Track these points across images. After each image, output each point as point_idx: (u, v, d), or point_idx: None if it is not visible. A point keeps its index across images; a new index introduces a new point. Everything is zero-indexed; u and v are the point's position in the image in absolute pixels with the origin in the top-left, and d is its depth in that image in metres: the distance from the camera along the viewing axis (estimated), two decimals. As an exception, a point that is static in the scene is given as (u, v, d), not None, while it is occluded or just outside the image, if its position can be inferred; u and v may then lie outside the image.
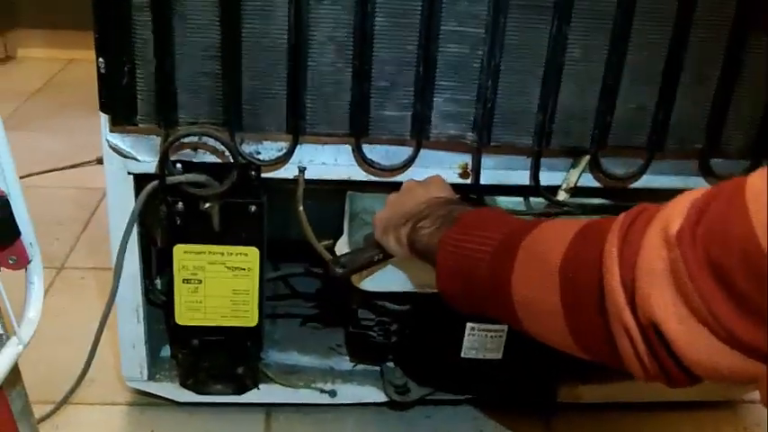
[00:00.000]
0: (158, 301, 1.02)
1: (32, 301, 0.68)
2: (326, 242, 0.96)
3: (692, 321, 0.47)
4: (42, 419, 0.99)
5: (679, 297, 0.48)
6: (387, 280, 0.91)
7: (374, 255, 0.85)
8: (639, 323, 0.51)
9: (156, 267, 1.01)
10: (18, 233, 0.66)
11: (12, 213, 0.65)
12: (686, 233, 0.47)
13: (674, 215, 0.49)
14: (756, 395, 0.82)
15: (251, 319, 0.98)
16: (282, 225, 1.01)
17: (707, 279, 0.45)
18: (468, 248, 0.71)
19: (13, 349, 0.66)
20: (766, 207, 0.42)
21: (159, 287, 1.02)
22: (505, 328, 0.97)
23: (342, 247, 0.93)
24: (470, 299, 0.72)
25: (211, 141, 0.87)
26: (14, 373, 0.73)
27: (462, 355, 0.99)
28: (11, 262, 0.67)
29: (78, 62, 2.73)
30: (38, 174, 1.80)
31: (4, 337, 0.69)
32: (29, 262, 0.67)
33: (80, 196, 1.70)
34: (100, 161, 0.91)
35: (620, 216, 0.55)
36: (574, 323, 0.59)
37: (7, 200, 0.65)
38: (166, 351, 1.08)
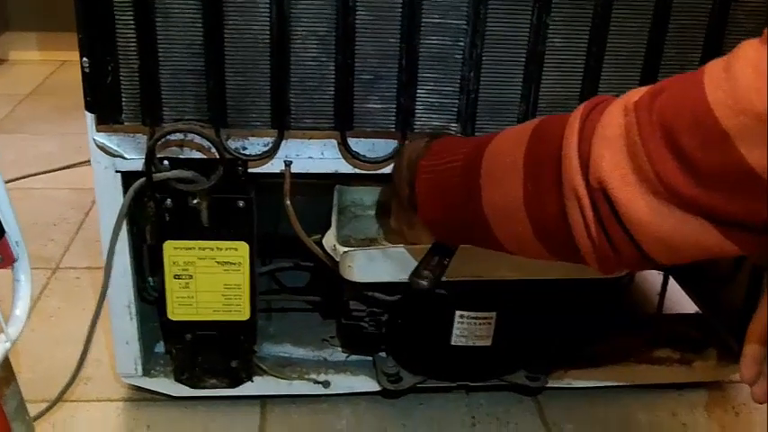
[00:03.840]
0: (151, 297, 1.03)
1: (20, 299, 0.69)
2: (317, 236, 0.97)
3: (636, 181, 0.51)
4: (37, 418, 1.00)
5: (628, 158, 0.51)
6: (376, 271, 0.92)
7: (441, 259, 0.82)
8: (590, 187, 0.54)
9: (150, 264, 1.02)
10: (2, 232, 0.67)
11: (-4, 214, 0.66)
12: (645, 102, 0.51)
13: (636, 93, 0.53)
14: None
15: (243, 314, 0.99)
16: (273, 220, 1.02)
17: (656, 139, 0.49)
18: (439, 170, 0.74)
19: (0, 346, 0.67)
20: (720, 79, 0.46)
21: (152, 284, 1.03)
22: (494, 315, 0.99)
23: (329, 240, 0.94)
24: (450, 220, 0.74)
25: (198, 138, 0.88)
26: (7, 371, 0.74)
27: (452, 342, 1.00)
28: (-4, 261, 0.68)
29: (71, 64, 2.74)
30: (32, 175, 1.81)
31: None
32: (14, 261, 0.68)
33: (74, 197, 1.71)
34: (94, 161, 0.92)
35: (584, 103, 0.58)
36: (533, 209, 0.61)
37: (-8, 200, 0.66)
38: (161, 347, 1.09)
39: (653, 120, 0.50)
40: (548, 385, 1.09)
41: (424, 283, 0.80)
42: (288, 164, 0.90)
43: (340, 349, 1.12)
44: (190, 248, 0.95)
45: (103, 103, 0.86)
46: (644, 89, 0.53)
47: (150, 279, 1.02)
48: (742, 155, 0.45)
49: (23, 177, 1.78)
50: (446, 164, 0.73)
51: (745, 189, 0.46)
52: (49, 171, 1.84)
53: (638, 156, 0.50)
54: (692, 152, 0.47)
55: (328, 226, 0.98)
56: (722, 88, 0.46)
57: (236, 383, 1.05)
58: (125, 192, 0.92)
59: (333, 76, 0.85)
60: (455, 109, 0.88)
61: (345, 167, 0.92)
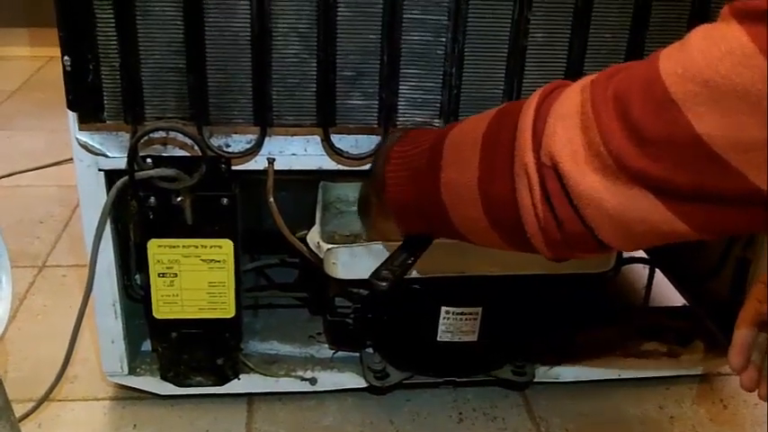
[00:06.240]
0: (137, 296, 1.03)
1: (1, 300, 0.68)
2: (302, 232, 0.97)
3: (586, 156, 0.51)
4: (23, 418, 0.99)
5: (581, 133, 0.51)
6: (361, 268, 0.92)
7: (406, 258, 0.81)
8: (539, 164, 0.54)
9: (136, 262, 1.01)
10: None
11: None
12: (601, 80, 0.52)
13: (595, 75, 0.54)
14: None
15: (228, 311, 0.99)
16: (260, 216, 1.02)
17: (608, 111, 0.49)
18: (408, 155, 0.75)
19: (-17, 348, 0.67)
20: (673, 52, 0.47)
21: (138, 282, 1.03)
22: (479, 310, 0.99)
23: (313, 236, 0.94)
24: (414, 206, 0.74)
25: (180, 136, 0.88)
26: (-10, 371, 0.74)
27: (438, 338, 1.00)
28: (-24, 262, 0.68)
29: (58, 60, 2.72)
30: (19, 173, 1.80)
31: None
32: (-6, 262, 0.68)
33: (61, 194, 1.70)
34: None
35: (543, 86, 0.59)
36: (484, 189, 0.61)
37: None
38: (147, 345, 1.09)
39: (607, 95, 0.50)
40: (535, 380, 1.09)
41: (383, 284, 0.77)
42: (271, 161, 0.90)
43: (327, 346, 1.12)
44: (174, 246, 0.94)
45: (85, 101, 0.85)
46: (605, 70, 0.54)
47: (136, 277, 1.02)
48: (689, 122, 0.45)
49: (10, 175, 1.78)
50: (415, 149, 0.74)
51: (692, 157, 0.46)
52: (36, 168, 1.83)
53: (590, 130, 0.50)
54: (641, 121, 0.47)
55: (314, 222, 0.98)
56: (673, 58, 0.46)
57: (222, 381, 1.05)
58: (108, 190, 0.91)
59: (315, 73, 0.85)
60: (438, 104, 0.88)
61: (329, 164, 0.92)
